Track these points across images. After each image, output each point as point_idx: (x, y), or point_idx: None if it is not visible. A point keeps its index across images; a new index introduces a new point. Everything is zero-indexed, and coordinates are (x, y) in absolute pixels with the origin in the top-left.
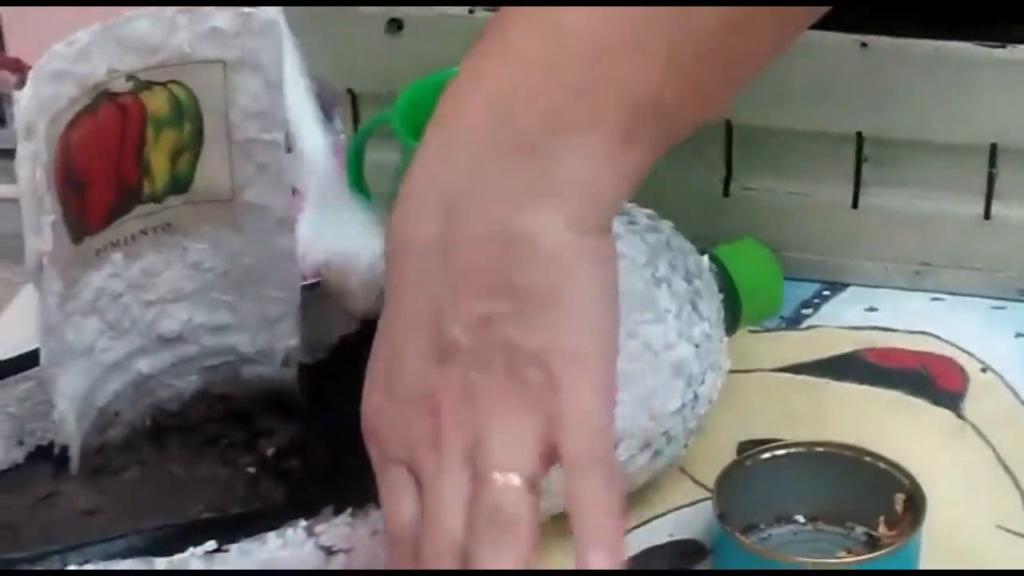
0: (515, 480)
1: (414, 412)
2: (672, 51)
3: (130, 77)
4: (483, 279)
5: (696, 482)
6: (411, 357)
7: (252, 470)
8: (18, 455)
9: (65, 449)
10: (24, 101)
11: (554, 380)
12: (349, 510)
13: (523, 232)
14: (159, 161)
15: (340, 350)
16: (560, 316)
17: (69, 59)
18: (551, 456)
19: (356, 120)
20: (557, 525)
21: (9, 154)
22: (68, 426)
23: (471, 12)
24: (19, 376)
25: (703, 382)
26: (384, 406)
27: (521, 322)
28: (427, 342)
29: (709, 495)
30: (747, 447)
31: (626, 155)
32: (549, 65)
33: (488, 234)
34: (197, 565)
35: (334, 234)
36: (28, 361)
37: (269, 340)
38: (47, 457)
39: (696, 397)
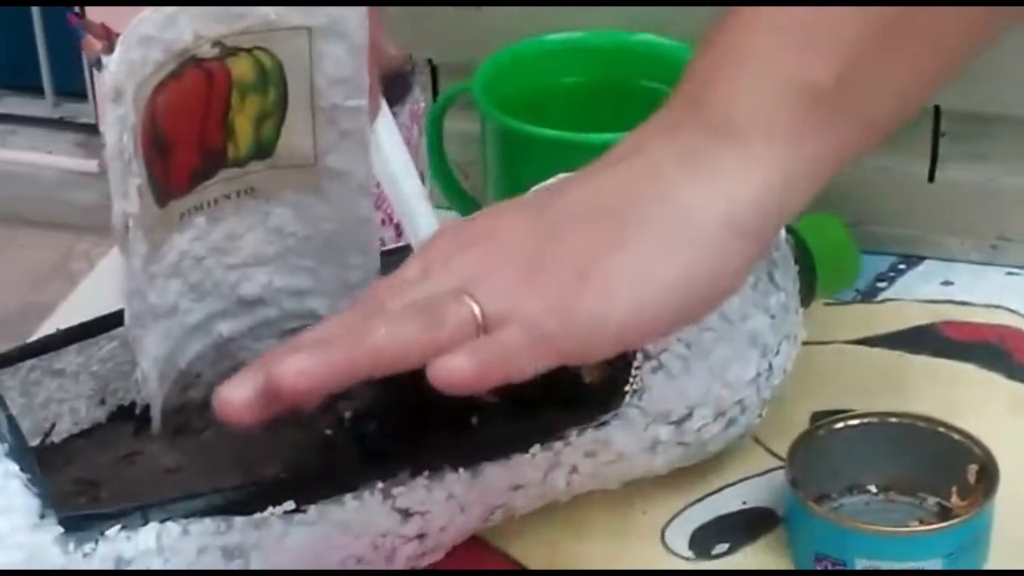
0: (475, 308)
1: (466, 244)
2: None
3: (216, 43)
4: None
5: (769, 451)
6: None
7: (329, 432)
8: (100, 414)
9: (147, 409)
10: (113, 65)
11: (567, 292)
12: (426, 473)
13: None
14: (243, 126)
15: None
16: (636, 268)
17: (157, 25)
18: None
19: (435, 91)
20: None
21: (88, 129)
22: (151, 386)
23: None
24: (103, 336)
25: (778, 353)
26: (448, 231)
27: (601, 238)
28: (526, 211)
29: (782, 464)
30: (820, 417)
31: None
32: None
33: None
34: (276, 525)
35: None
36: (112, 322)
37: (348, 304)
38: (129, 417)
39: (771, 367)
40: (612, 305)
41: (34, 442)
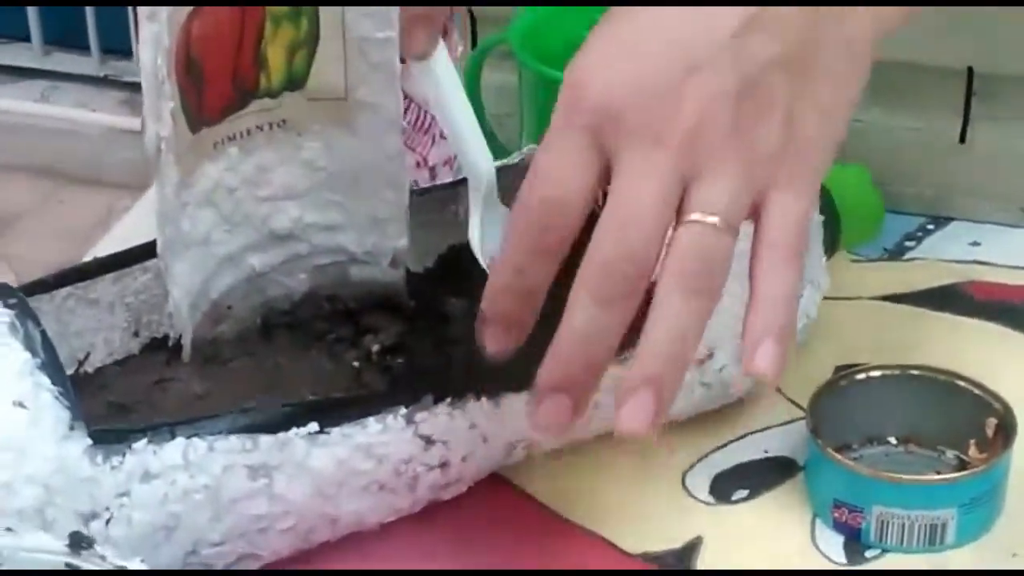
0: (713, 220)
1: (655, 103)
2: None
3: None
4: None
5: (792, 402)
6: (692, 63)
7: (356, 364)
8: (134, 345)
9: (179, 340)
10: None
11: (792, 147)
12: (448, 400)
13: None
14: (276, 56)
15: (448, 258)
16: (838, 110)
17: None
18: (752, 215)
19: (474, 40)
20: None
21: (133, 87)
22: (182, 315)
23: None
24: (137, 268)
25: (801, 296)
26: (622, 73)
27: (805, 90)
28: (719, 64)
29: (804, 416)
30: (842, 370)
31: None
32: None
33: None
34: (300, 445)
35: (494, 238)
36: (147, 253)
37: (378, 241)
38: (161, 348)
39: None
40: (815, 147)
41: (69, 370)
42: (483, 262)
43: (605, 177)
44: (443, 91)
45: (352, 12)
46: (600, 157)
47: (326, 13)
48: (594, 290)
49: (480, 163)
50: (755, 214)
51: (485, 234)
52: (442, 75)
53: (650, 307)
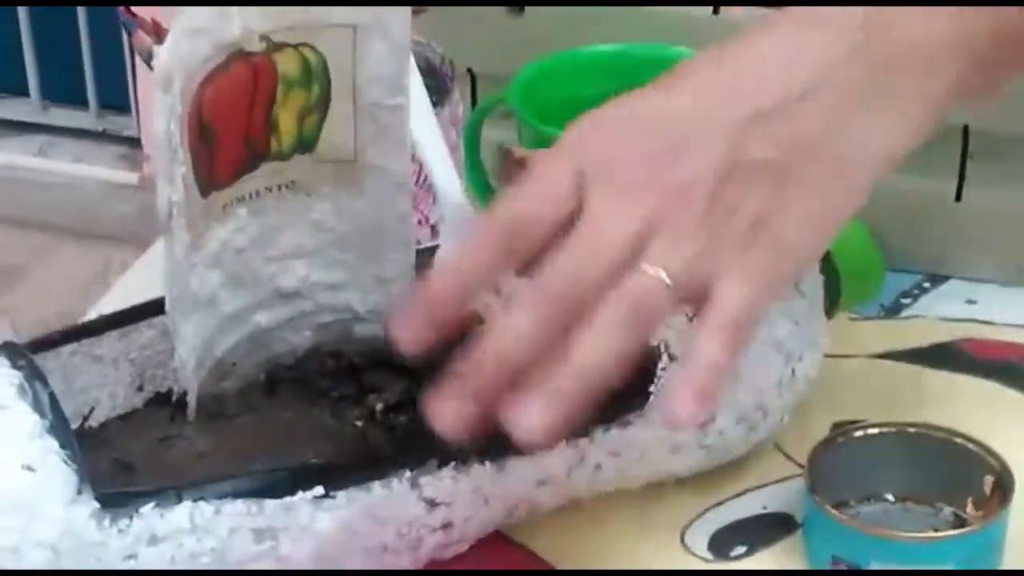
0: (663, 275)
1: (641, 162)
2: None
3: (263, 37)
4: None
5: (790, 459)
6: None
7: (360, 423)
8: (138, 400)
9: (184, 395)
10: (164, 55)
11: (755, 247)
12: (453, 464)
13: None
14: (287, 120)
15: None
16: (818, 224)
17: (208, 17)
18: (696, 299)
19: (474, 99)
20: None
21: (130, 141)
22: (188, 372)
23: None
24: (143, 324)
25: (801, 359)
26: (621, 130)
27: (786, 198)
28: (712, 148)
29: (802, 472)
30: (840, 427)
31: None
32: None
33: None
34: (305, 509)
35: None
36: (152, 310)
37: (383, 299)
38: (165, 403)
39: (793, 374)
40: (790, 262)
41: (73, 425)
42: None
43: (573, 215)
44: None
45: (363, 78)
46: (575, 192)
47: (338, 78)
48: (535, 301)
49: (449, 190)
50: (699, 300)
51: None
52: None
53: (582, 330)
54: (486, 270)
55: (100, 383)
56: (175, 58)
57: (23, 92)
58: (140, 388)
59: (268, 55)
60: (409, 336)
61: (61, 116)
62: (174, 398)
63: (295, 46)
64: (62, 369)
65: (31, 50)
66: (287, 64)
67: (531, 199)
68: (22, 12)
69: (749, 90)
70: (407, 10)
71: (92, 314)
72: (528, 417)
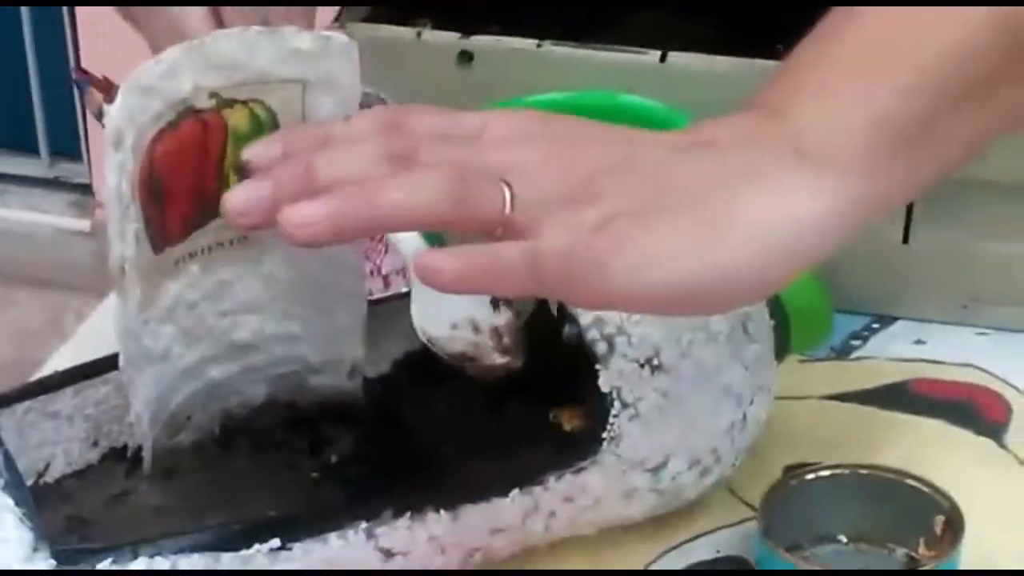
0: (507, 195)
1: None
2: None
3: (213, 94)
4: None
5: (744, 502)
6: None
7: (316, 475)
8: (93, 456)
9: (139, 450)
10: (115, 112)
11: (595, 232)
12: (408, 514)
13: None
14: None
15: (404, 364)
16: (652, 262)
17: (158, 75)
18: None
19: None
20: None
21: (82, 188)
22: (143, 426)
23: (539, 46)
24: (98, 380)
25: (752, 403)
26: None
27: (647, 201)
28: (615, 148)
29: (755, 515)
30: (793, 470)
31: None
32: None
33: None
34: (262, 562)
35: (437, 310)
36: (106, 366)
37: (336, 351)
38: (120, 458)
39: (745, 418)
40: (613, 264)
41: (28, 481)
42: (422, 338)
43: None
44: None
45: None
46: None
47: None
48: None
49: (410, 240)
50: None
51: (422, 312)
52: None
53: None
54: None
55: (55, 439)
56: (125, 116)
57: None
58: (95, 443)
59: (218, 111)
60: (240, 216)
61: (12, 164)
62: (129, 453)
63: (244, 102)
64: (17, 426)
65: None
66: (237, 120)
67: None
68: None
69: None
70: (356, 65)
71: (51, 364)
72: (301, 210)
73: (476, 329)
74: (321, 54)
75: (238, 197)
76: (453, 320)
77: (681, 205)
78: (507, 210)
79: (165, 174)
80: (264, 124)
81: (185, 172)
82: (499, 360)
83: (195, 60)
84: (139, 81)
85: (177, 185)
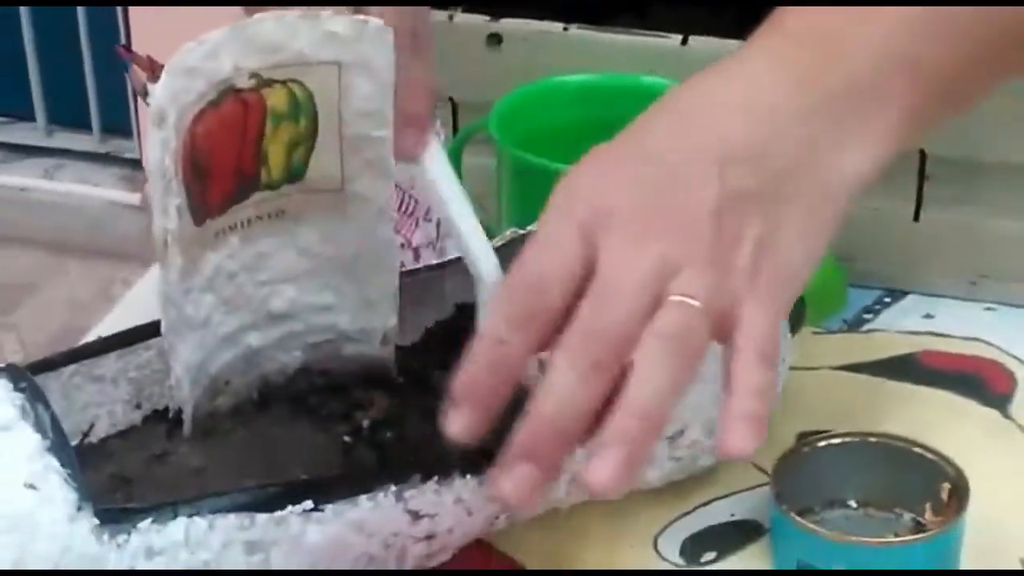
0: (693, 301)
1: (644, 204)
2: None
3: (253, 75)
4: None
5: (758, 468)
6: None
7: (348, 439)
8: (135, 417)
9: (179, 412)
10: (158, 92)
11: (760, 274)
12: (435, 478)
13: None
14: (276, 153)
15: (435, 333)
16: (811, 242)
17: (200, 56)
18: (720, 330)
19: (455, 126)
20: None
21: (132, 163)
22: (183, 390)
23: (565, 29)
24: (140, 345)
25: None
26: (614, 179)
27: (778, 219)
28: (701, 186)
29: (768, 480)
30: (805, 437)
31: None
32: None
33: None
34: (295, 522)
35: None
36: (149, 332)
37: (369, 320)
38: (162, 420)
39: None
40: (788, 272)
41: (73, 442)
42: None
43: (588, 268)
44: (440, 193)
45: (349, 113)
46: (585, 248)
47: (324, 113)
48: (571, 361)
49: (481, 259)
50: (723, 328)
51: None
52: (438, 177)
53: (630, 372)
54: (513, 340)
55: (99, 401)
56: (168, 96)
57: (29, 117)
58: (138, 406)
59: (258, 91)
60: (463, 430)
61: (66, 139)
62: (170, 415)
63: (283, 82)
64: (63, 389)
65: (36, 76)
66: (276, 99)
67: (541, 263)
68: (28, 39)
69: (729, 126)
70: (391, 49)
71: (97, 331)
72: (601, 472)
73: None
74: (356, 37)
75: (512, 488)
76: None
77: (791, 186)
78: (700, 307)
79: (206, 151)
80: (302, 104)
81: (225, 149)
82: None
83: (237, 42)
84: (182, 63)
85: (218, 161)
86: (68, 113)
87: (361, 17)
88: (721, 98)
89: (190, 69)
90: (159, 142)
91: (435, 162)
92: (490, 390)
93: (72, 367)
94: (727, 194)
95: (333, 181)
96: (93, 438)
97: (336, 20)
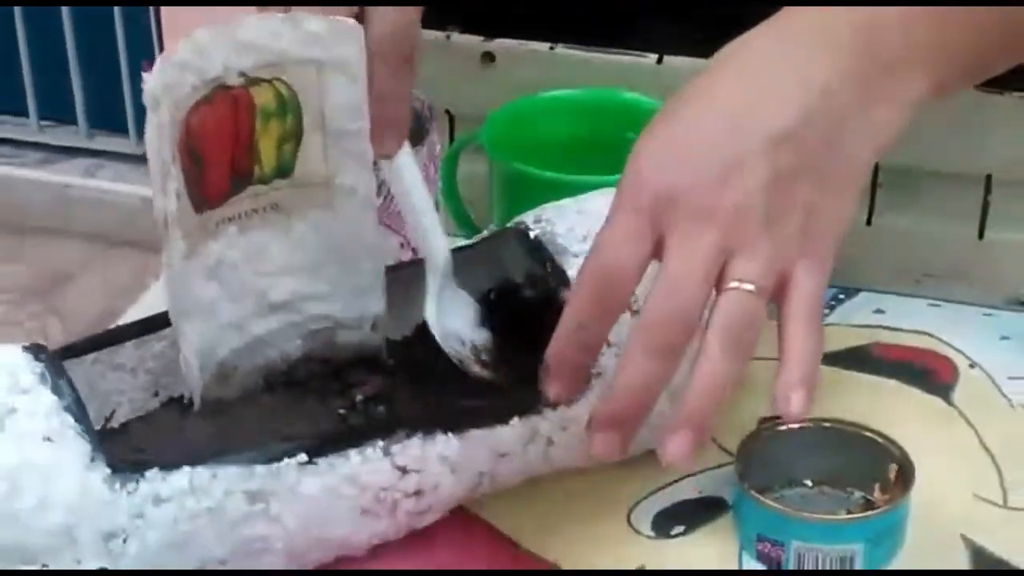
0: (748, 287)
1: (704, 191)
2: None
3: (241, 73)
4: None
5: (722, 448)
6: (740, 148)
7: (343, 411)
8: (153, 404)
9: (190, 395)
10: (150, 80)
11: (809, 235)
12: (419, 433)
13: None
14: (267, 149)
15: (424, 328)
16: (848, 203)
17: (188, 51)
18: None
19: (452, 136)
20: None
21: None
22: (193, 372)
23: (552, 49)
24: (153, 336)
25: None
26: (676, 165)
27: (822, 192)
28: (755, 165)
29: (732, 460)
30: (766, 422)
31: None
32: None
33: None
34: (291, 473)
35: (440, 316)
36: (161, 323)
37: (360, 307)
38: (177, 405)
39: None
40: (833, 230)
41: (97, 426)
42: (438, 337)
43: (657, 250)
44: (406, 185)
45: (329, 108)
46: (654, 233)
47: (308, 109)
48: (646, 344)
49: (436, 248)
50: (779, 289)
51: (442, 314)
52: (405, 172)
53: (696, 357)
54: (593, 325)
55: (121, 389)
56: (160, 84)
57: (72, 121)
58: (156, 394)
59: (247, 89)
60: (557, 394)
61: (105, 142)
62: (186, 400)
63: (270, 80)
64: (87, 375)
65: (79, 84)
66: (264, 97)
67: (616, 256)
68: (70, 48)
69: (770, 107)
70: (362, 46)
71: (124, 318)
72: (677, 446)
73: (461, 342)
74: (334, 37)
75: (600, 449)
76: (446, 329)
77: (829, 156)
78: (754, 291)
79: (201, 142)
80: (287, 100)
81: (219, 142)
82: (478, 371)
83: (225, 42)
84: (173, 56)
85: (213, 153)
86: (107, 118)
87: (337, 18)
88: (766, 76)
89: (181, 63)
90: (154, 126)
91: (405, 159)
92: (574, 364)
93: (93, 355)
94: (776, 173)
95: (319, 175)
96: (114, 423)
97: (315, 20)
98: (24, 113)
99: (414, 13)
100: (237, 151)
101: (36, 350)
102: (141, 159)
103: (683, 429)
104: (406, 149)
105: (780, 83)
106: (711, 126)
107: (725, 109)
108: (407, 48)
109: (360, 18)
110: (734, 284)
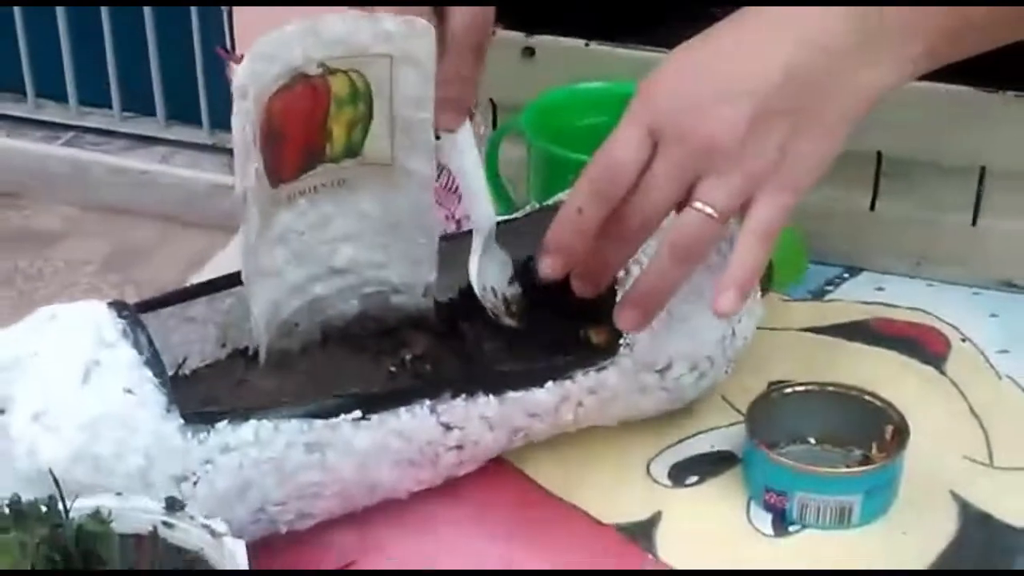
0: (708, 209)
1: (689, 116)
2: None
3: (320, 64)
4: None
5: (734, 408)
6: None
7: (393, 369)
8: (221, 353)
9: (257, 348)
10: (240, 70)
11: (780, 172)
12: (463, 395)
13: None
14: (338, 131)
15: (468, 291)
16: (826, 141)
17: (274, 44)
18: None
19: (495, 123)
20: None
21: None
22: (260, 329)
23: (587, 45)
24: (224, 293)
25: (739, 321)
26: (679, 90)
27: (801, 133)
28: (742, 101)
29: (743, 418)
30: (775, 385)
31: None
32: None
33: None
34: (346, 428)
35: (479, 273)
36: (232, 281)
37: (414, 275)
38: (242, 356)
39: (734, 332)
40: (805, 166)
41: (169, 372)
42: (478, 291)
43: (649, 159)
44: (463, 158)
45: (398, 98)
46: (649, 146)
47: (378, 98)
48: (619, 232)
49: (483, 213)
50: (743, 211)
51: (482, 269)
52: (464, 146)
53: (648, 262)
54: (589, 210)
55: (191, 340)
56: (248, 75)
57: (151, 112)
58: (223, 345)
59: (324, 78)
60: (551, 270)
61: (180, 132)
62: (249, 352)
63: (345, 72)
64: (161, 328)
65: (157, 78)
66: (339, 86)
67: (617, 156)
68: (151, 47)
69: (775, 51)
70: (433, 43)
71: (192, 280)
72: (626, 318)
73: (495, 294)
74: (406, 35)
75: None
76: (483, 283)
77: (817, 100)
78: (713, 215)
79: (281, 125)
80: (360, 90)
81: (297, 125)
82: (507, 321)
83: (308, 36)
84: (261, 49)
85: (290, 135)
86: (182, 110)
87: (411, 18)
88: (775, 31)
89: (268, 55)
90: (240, 112)
91: (465, 134)
92: (569, 244)
93: (168, 309)
94: (757, 112)
95: (385, 156)
96: (186, 370)
97: (390, 19)
98: (108, 105)
99: (489, 10)
100: (311, 132)
101: (119, 307)
102: (212, 149)
103: (630, 307)
104: (466, 125)
105: (780, 38)
106: (712, 67)
107: (726, 54)
108: (480, 38)
109: (440, 13)
110: (698, 205)
